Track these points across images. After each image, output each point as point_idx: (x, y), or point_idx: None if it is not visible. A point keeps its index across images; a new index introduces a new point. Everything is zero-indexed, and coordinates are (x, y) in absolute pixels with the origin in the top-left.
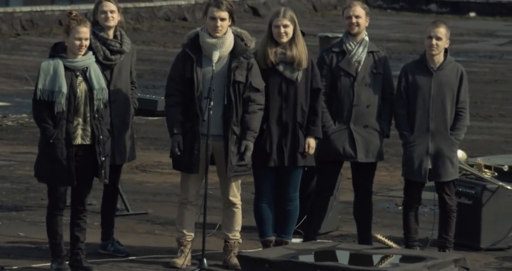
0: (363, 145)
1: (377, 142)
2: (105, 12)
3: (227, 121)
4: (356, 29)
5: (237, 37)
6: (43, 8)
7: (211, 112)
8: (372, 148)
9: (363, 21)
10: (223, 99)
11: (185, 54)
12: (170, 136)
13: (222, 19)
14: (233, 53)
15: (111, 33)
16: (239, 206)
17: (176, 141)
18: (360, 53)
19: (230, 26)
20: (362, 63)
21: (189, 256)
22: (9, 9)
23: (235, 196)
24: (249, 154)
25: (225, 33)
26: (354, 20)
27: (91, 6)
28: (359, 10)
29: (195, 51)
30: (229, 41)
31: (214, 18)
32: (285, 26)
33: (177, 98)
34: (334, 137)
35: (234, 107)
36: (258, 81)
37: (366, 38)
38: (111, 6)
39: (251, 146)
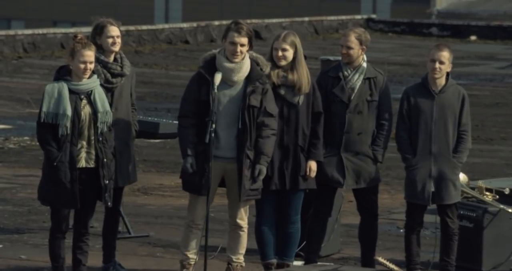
0: (354, 172)
1: (369, 168)
2: (112, 37)
3: (241, 145)
4: (347, 59)
5: (254, 62)
6: (45, 30)
7: (213, 135)
8: (364, 174)
9: (355, 52)
10: (238, 123)
11: (200, 76)
12: (182, 157)
13: (242, 45)
14: (249, 78)
15: (112, 56)
16: (245, 230)
17: (189, 162)
18: (355, 80)
19: (247, 51)
20: (356, 90)
21: None
22: (11, 32)
23: (243, 219)
24: (261, 178)
25: (243, 58)
26: (344, 50)
27: None
28: (352, 41)
29: (211, 73)
30: (246, 66)
31: (234, 43)
32: (284, 49)
33: (191, 120)
34: (324, 161)
35: (248, 131)
36: (272, 107)
37: (364, 64)
38: (117, 31)
39: (264, 170)
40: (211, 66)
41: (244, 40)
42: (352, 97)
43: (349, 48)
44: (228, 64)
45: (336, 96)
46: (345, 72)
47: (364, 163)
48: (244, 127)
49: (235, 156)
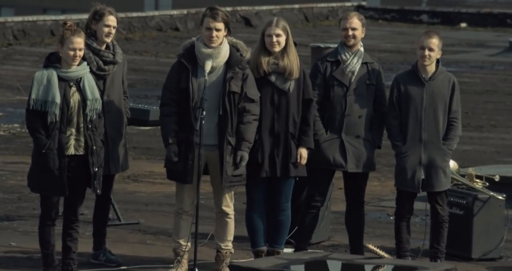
0: (354, 155)
1: (368, 152)
2: (109, 27)
3: (222, 131)
4: (352, 41)
5: (233, 48)
6: (35, 18)
7: (203, 122)
8: (363, 158)
9: (359, 33)
10: (218, 110)
11: (180, 64)
12: (165, 145)
13: (218, 30)
14: (229, 64)
15: (104, 44)
16: (232, 216)
17: (172, 151)
18: (354, 63)
19: (225, 36)
20: (356, 73)
21: (186, 266)
22: (1, 19)
23: (228, 206)
24: (244, 164)
25: (220, 44)
26: (350, 32)
27: (83, 16)
28: (356, 22)
29: (190, 61)
30: (224, 52)
31: (209, 29)
32: (278, 35)
33: (172, 108)
34: (325, 145)
35: (229, 117)
36: (253, 92)
37: (362, 49)
38: (114, 22)
39: (246, 156)
40: (190, 53)
41: (220, 25)
42: (352, 80)
43: (355, 29)
44: (205, 50)
45: (336, 80)
46: (344, 56)
47: (363, 146)
48: (225, 114)
49: (217, 143)
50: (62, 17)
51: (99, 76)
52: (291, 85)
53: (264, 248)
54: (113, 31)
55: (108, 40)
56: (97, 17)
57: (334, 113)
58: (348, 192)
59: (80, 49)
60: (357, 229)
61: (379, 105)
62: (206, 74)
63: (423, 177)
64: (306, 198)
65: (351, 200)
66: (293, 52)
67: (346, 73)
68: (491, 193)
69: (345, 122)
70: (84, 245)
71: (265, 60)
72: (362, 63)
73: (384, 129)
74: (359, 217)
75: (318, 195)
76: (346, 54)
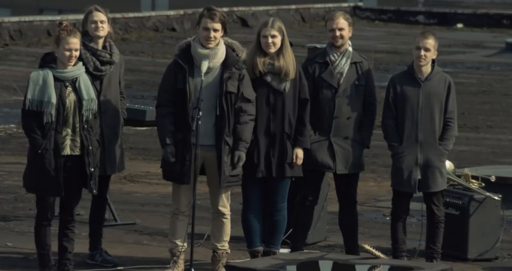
0: (343, 156)
1: (357, 153)
2: (95, 22)
3: (219, 132)
4: (340, 42)
5: (229, 48)
6: (31, 18)
7: (200, 122)
8: (352, 159)
9: (347, 32)
10: (215, 110)
11: (177, 64)
12: (161, 146)
13: (215, 30)
14: (225, 64)
15: (100, 43)
16: (228, 217)
17: (169, 151)
18: (343, 64)
19: (222, 36)
20: (344, 75)
21: (182, 267)
22: None
23: (225, 206)
24: (241, 164)
25: (217, 44)
26: (337, 33)
27: (80, 16)
28: (342, 22)
29: (187, 61)
30: (221, 52)
31: (207, 29)
32: (273, 36)
33: (168, 108)
34: (313, 147)
35: (226, 117)
36: (249, 92)
37: (350, 48)
38: (101, 16)
39: (243, 156)
40: (186, 54)
41: (217, 25)
42: (341, 82)
43: (342, 29)
44: (202, 51)
45: (325, 82)
46: (332, 57)
47: (352, 148)
48: (222, 114)
49: (214, 143)
50: (58, 17)
51: (96, 77)
52: (286, 85)
53: (260, 248)
54: (101, 25)
55: (99, 34)
56: (85, 17)
57: (322, 115)
58: (340, 192)
59: (76, 50)
60: (350, 229)
61: (369, 105)
62: (202, 74)
63: (419, 177)
64: (300, 198)
65: (343, 200)
66: (289, 53)
67: (335, 75)
68: (487, 194)
69: (334, 124)
70: (80, 245)
71: (260, 61)
72: (351, 63)
73: (374, 129)
74: (352, 217)
75: (311, 194)
76: (335, 54)
